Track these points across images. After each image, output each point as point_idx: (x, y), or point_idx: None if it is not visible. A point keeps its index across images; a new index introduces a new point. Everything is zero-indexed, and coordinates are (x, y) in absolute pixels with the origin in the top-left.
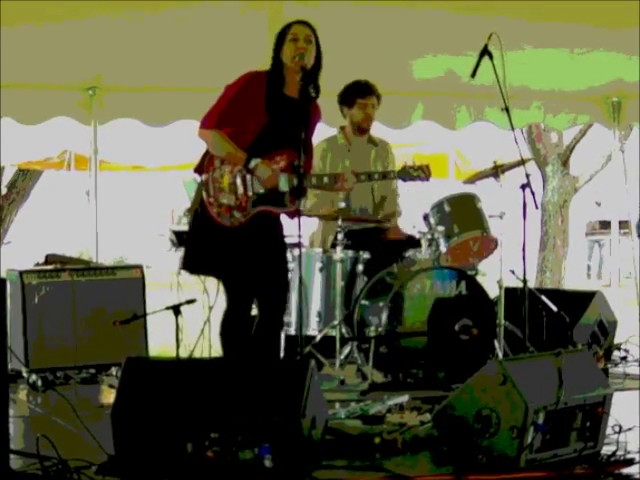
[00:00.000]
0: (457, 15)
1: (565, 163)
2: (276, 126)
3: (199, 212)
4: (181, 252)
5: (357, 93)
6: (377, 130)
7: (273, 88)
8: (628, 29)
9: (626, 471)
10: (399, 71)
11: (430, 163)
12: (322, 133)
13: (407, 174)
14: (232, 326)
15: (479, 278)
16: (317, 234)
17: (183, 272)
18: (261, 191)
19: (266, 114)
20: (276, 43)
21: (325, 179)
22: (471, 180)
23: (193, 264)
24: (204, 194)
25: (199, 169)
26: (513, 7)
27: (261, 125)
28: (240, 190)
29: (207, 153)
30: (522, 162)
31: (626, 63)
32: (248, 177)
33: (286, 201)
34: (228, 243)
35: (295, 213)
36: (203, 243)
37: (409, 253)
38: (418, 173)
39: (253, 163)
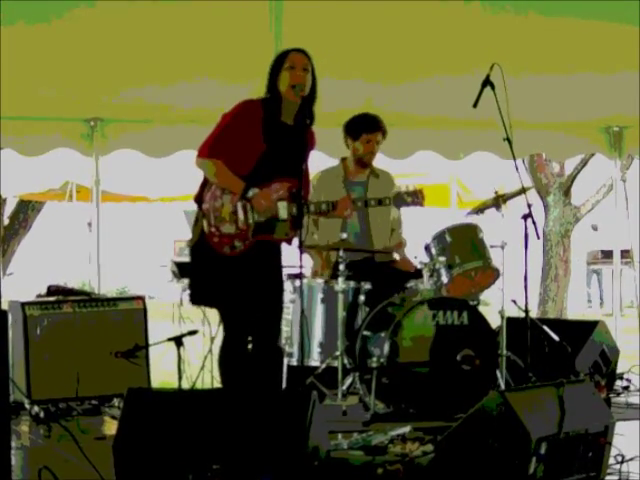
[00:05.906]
0: (457, 45)
1: (567, 193)
2: (274, 154)
3: (199, 243)
4: (183, 283)
5: (364, 127)
6: (378, 160)
7: (270, 116)
8: (629, 64)
9: None
10: (399, 102)
11: (432, 193)
12: (322, 163)
13: (401, 200)
14: (231, 356)
15: (481, 308)
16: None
17: (185, 303)
18: (261, 219)
19: (264, 142)
20: (272, 71)
21: (323, 206)
22: (475, 211)
23: (197, 296)
24: (205, 224)
25: (198, 198)
26: (514, 37)
27: (259, 153)
28: (241, 219)
29: (206, 182)
30: (524, 192)
31: (627, 93)
32: (248, 206)
33: (286, 229)
34: (229, 272)
35: (293, 240)
36: (205, 274)
37: (411, 284)
38: (412, 198)
39: (251, 193)
